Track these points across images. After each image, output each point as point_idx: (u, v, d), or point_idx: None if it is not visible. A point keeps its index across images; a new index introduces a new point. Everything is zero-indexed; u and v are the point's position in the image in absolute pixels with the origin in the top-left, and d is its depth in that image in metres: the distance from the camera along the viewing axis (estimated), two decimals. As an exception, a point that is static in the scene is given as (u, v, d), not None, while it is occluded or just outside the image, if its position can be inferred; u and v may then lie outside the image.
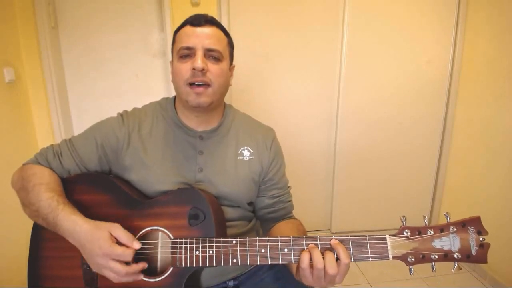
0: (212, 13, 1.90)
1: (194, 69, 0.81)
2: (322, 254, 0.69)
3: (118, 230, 0.72)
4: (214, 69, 0.84)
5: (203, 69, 0.81)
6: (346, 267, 0.69)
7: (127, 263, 0.71)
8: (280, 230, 0.95)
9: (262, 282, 0.94)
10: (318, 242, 0.70)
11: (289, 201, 1.02)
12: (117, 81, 2.00)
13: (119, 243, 0.71)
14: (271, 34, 2.02)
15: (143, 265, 0.73)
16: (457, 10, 2.08)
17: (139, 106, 0.98)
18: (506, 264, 1.76)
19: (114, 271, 0.70)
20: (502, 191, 1.81)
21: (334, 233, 2.36)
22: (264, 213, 1.00)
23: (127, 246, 0.71)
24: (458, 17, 2.09)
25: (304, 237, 0.71)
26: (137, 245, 0.72)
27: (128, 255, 0.70)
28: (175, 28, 0.90)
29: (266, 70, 2.08)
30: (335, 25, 2.06)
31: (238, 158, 0.93)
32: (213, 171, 0.90)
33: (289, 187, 1.04)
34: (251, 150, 0.94)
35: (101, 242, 0.70)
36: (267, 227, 1.00)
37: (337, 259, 0.69)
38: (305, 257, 0.69)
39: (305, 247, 0.71)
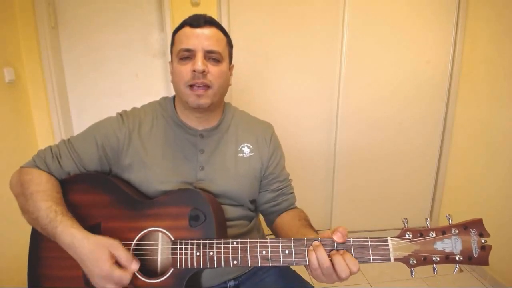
0: (212, 13, 1.90)
1: (194, 71, 0.81)
2: (328, 255, 0.68)
3: (119, 250, 0.72)
4: (214, 71, 0.84)
5: (203, 71, 0.81)
6: (356, 269, 0.68)
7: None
8: (282, 221, 0.95)
9: (262, 282, 0.94)
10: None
11: (291, 193, 1.02)
12: (117, 81, 2.00)
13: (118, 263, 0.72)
14: (271, 34, 2.02)
15: (142, 283, 0.75)
16: (457, 10, 2.08)
17: (139, 106, 0.97)
18: (506, 264, 1.76)
19: None
20: (502, 191, 1.81)
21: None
22: (267, 207, 1.00)
23: (125, 267, 0.72)
24: (458, 17, 2.09)
25: (305, 239, 0.71)
26: (135, 266, 0.72)
27: (126, 280, 0.70)
28: (174, 28, 0.90)
29: (266, 70, 2.08)
30: (335, 25, 2.05)
31: (239, 155, 0.93)
32: (214, 169, 0.90)
33: (290, 179, 1.04)
34: (251, 147, 0.95)
35: (100, 263, 0.69)
36: (271, 220, 1.00)
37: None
38: (313, 258, 0.68)
39: (305, 249, 0.71)
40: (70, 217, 0.76)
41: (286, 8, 1.99)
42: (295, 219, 0.92)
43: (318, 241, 0.70)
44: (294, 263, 0.71)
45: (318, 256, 0.68)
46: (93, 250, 0.71)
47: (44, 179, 0.82)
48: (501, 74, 1.82)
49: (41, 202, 0.76)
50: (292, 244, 0.71)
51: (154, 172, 0.86)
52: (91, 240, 0.72)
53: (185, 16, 0.87)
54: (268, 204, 0.99)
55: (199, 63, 0.81)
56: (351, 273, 0.67)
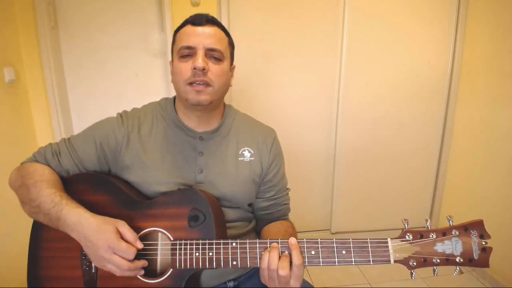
0: (212, 13, 1.88)
1: (195, 68, 0.80)
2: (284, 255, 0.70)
3: (125, 228, 0.73)
4: (215, 69, 0.83)
5: (204, 69, 0.80)
6: (298, 270, 0.70)
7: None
8: (268, 231, 0.95)
9: (261, 282, 0.94)
10: (319, 245, 0.70)
11: (286, 204, 1.02)
12: (117, 81, 1.99)
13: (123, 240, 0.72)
14: (271, 34, 2.02)
15: (143, 262, 0.74)
16: (457, 10, 2.08)
17: (139, 106, 0.97)
18: (506, 264, 1.76)
19: (117, 264, 0.70)
20: (502, 191, 1.81)
21: (334, 233, 2.37)
22: (260, 214, 1.00)
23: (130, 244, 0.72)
24: (458, 18, 2.09)
25: (305, 240, 0.71)
26: (140, 245, 0.73)
27: (131, 252, 0.71)
28: (175, 28, 0.89)
29: (266, 70, 2.07)
30: (335, 25, 2.05)
31: (239, 159, 0.92)
32: (213, 172, 0.89)
33: (287, 189, 1.03)
34: (251, 151, 0.94)
35: (107, 234, 0.70)
36: (260, 226, 1.00)
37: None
38: (265, 258, 0.71)
39: (305, 250, 0.71)
40: (75, 202, 0.77)
41: (286, 8, 1.99)
42: (280, 233, 0.92)
43: (317, 240, 0.71)
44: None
45: (270, 257, 0.70)
46: (99, 224, 0.72)
47: (47, 171, 0.83)
48: (501, 74, 1.82)
49: (45, 189, 0.77)
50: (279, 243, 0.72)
51: (153, 174, 0.86)
52: (98, 217, 0.74)
53: (185, 16, 0.87)
54: (261, 212, 0.99)
55: (199, 60, 0.80)
56: (294, 266, 0.69)
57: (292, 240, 0.71)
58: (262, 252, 0.72)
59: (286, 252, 0.71)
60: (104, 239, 0.70)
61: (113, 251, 0.70)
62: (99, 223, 0.72)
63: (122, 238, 0.72)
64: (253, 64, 2.04)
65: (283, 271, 0.68)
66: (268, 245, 0.72)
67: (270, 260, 0.70)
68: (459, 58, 2.13)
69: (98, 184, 0.85)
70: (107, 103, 2.00)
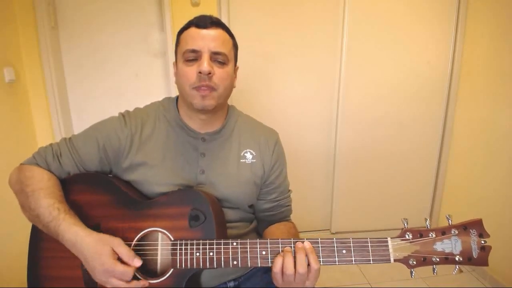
0: (212, 13, 1.88)
1: (200, 72, 0.80)
2: (295, 257, 0.71)
3: (120, 247, 0.72)
4: (219, 73, 0.83)
5: (209, 73, 0.80)
6: (316, 273, 0.71)
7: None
8: (272, 232, 0.96)
9: (262, 282, 0.94)
10: (319, 245, 0.70)
11: (288, 205, 1.02)
12: (117, 81, 2.00)
13: (120, 259, 0.71)
14: (271, 34, 2.02)
15: (143, 283, 0.73)
16: (457, 10, 2.09)
17: (139, 106, 0.96)
18: (506, 264, 1.76)
19: (114, 286, 0.70)
20: (502, 191, 1.81)
21: (334, 233, 2.37)
22: (262, 216, 1.00)
23: (127, 263, 0.72)
24: (458, 18, 2.09)
25: (305, 239, 0.71)
26: (137, 262, 0.72)
27: (128, 274, 0.70)
28: (175, 28, 0.90)
29: (266, 70, 2.07)
30: (335, 25, 2.05)
31: (241, 161, 0.92)
32: (215, 173, 0.89)
33: (289, 191, 1.03)
34: (253, 153, 0.94)
35: (103, 258, 0.70)
36: (262, 228, 1.01)
37: (308, 264, 0.70)
38: (278, 262, 0.71)
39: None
40: (72, 215, 0.76)
41: (286, 8, 1.99)
42: (284, 235, 0.92)
43: (317, 240, 0.71)
44: (293, 263, 0.71)
45: (285, 262, 0.70)
46: (95, 246, 0.71)
47: (46, 177, 0.82)
48: (501, 74, 1.82)
49: (43, 199, 0.76)
50: (292, 244, 0.72)
51: (154, 174, 0.86)
52: (93, 237, 0.73)
53: (185, 16, 0.87)
54: (263, 214, 1.00)
55: (205, 64, 0.80)
56: (313, 270, 0.71)
57: (307, 244, 0.72)
58: (275, 257, 0.72)
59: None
60: (100, 263, 0.70)
61: (111, 274, 0.70)
62: (94, 243, 0.71)
63: (119, 258, 0.71)
64: (253, 64, 2.04)
65: (303, 269, 0.69)
66: (269, 245, 0.72)
67: (286, 265, 0.70)
68: (459, 58, 2.13)
69: (98, 184, 0.85)
70: (107, 103, 2.00)
